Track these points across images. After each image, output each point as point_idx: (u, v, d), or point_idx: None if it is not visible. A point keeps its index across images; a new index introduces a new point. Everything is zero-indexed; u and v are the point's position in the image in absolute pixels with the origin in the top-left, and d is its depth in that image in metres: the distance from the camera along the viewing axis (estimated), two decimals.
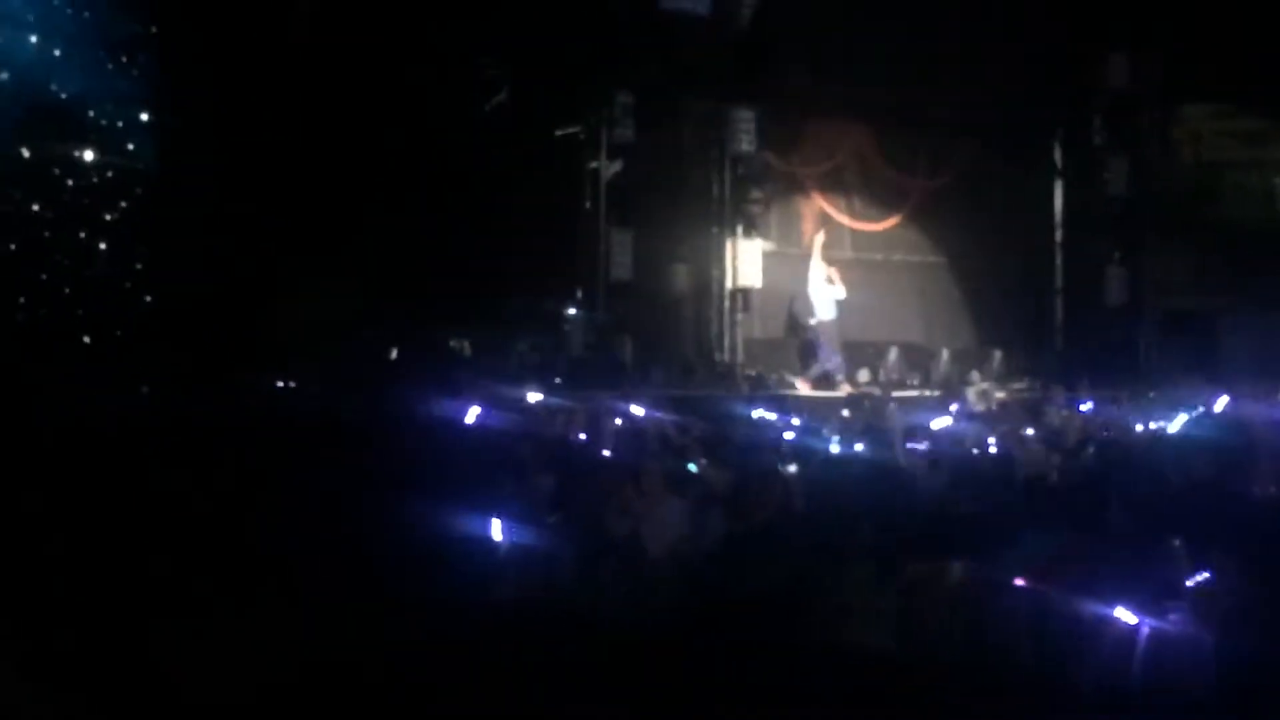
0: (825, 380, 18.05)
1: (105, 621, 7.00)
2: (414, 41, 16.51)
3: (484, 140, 17.10)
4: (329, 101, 16.21)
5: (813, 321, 18.84)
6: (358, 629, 7.29)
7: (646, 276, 18.51)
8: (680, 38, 18.59)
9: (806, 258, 19.28)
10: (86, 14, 15.96)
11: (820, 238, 19.37)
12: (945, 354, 19.60)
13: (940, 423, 12.04)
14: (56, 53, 15.89)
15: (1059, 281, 21.99)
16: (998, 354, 19.91)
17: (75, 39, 15.92)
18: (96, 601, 7.24)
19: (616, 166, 18.20)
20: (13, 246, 15.92)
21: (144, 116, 16.18)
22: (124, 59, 16.12)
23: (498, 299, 17.68)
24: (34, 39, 15.76)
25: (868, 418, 13.25)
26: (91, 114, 16.14)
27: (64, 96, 15.96)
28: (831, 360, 18.48)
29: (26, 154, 15.95)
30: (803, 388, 17.87)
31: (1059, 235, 22.01)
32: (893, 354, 19.50)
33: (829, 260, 19.21)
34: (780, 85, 19.52)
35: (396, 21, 16.37)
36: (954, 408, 14.44)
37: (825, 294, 18.76)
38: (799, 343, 19.26)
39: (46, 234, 16.25)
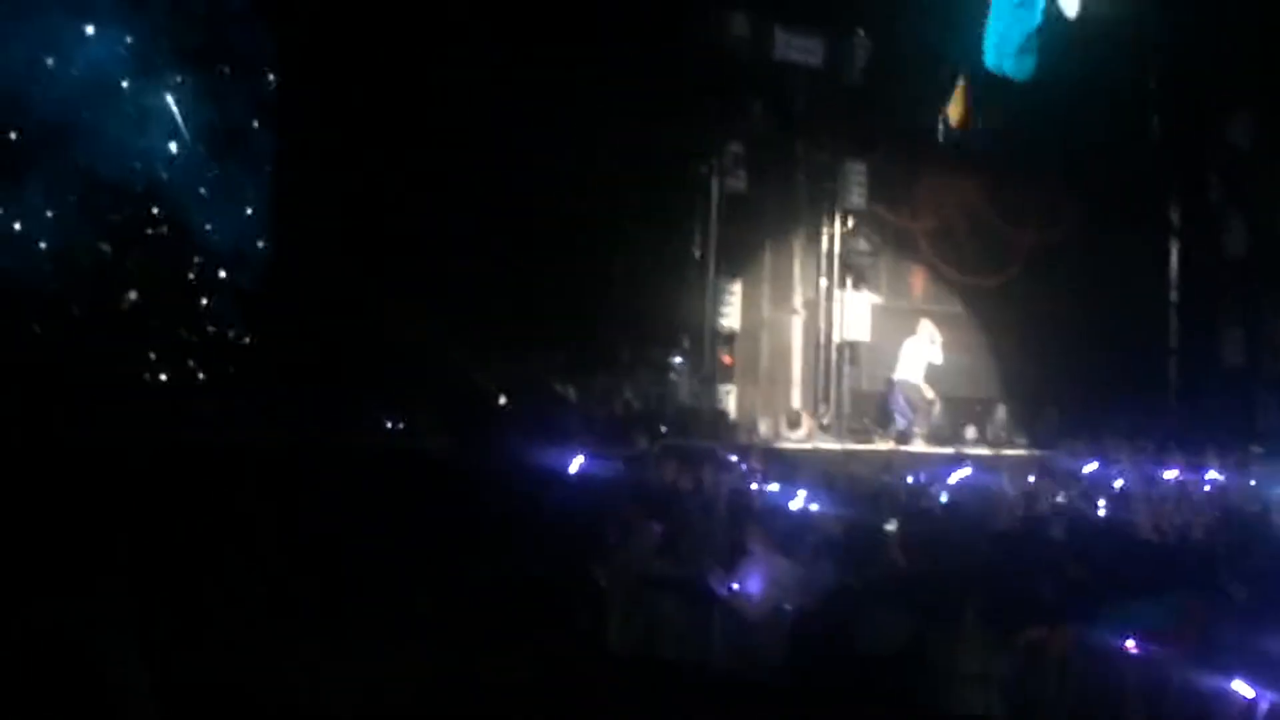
0: (904, 439, 17.80)
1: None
2: (531, 91, 16.69)
3: (596, 187, 17.19)
4: (445, 150, 16.44)
5: (896, 378, 18.46)
6: (469, 669, 7.35)
7: (754, 326, 18.50)
8: (794, 88, 18.65)
9: (915, 312, 19.11)
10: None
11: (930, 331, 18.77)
12: (1054, 413, 19.29)
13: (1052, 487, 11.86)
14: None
15: (1173, 341, 21.60)
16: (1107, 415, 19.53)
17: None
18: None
19: (728, 217, 18.22)
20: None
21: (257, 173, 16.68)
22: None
23: (605, 346, 17.73)
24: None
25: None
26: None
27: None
28: (905, 419, 18.15)
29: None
30: (886, 444, 17.63)
31: (1174, 295, 21.63)
32: (1000, 412, 19.27)
33: (936, 317, 19.00)
34: (892, 138, 19.50)
35: (513, 70, 16.56)
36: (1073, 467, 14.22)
37: (919, 353, 18.44)
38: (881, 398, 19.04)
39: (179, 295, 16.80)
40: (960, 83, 18.58)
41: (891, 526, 8.73)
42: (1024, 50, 18.13)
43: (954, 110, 18.70)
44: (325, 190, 16.56)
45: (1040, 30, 18.02)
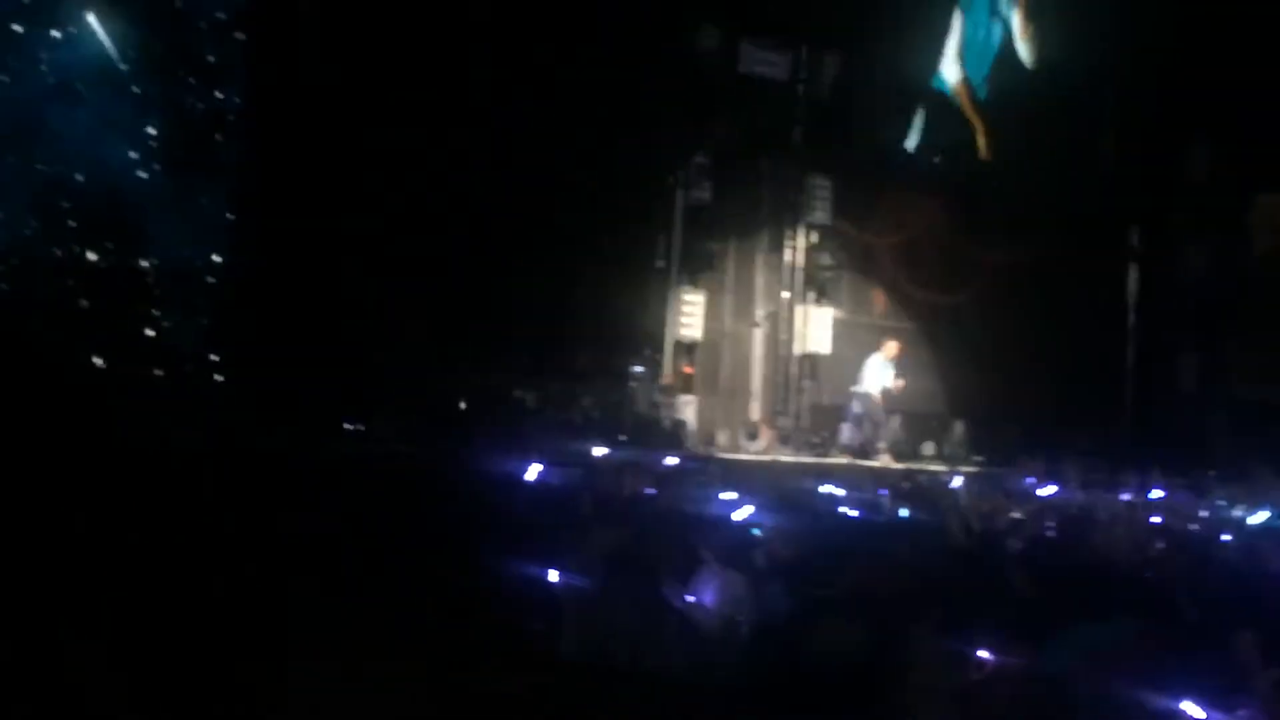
0: (860, 452, 17.81)
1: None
2: (494, 95, 16.68)
3: (559, 194, 17.20)
4: (410, 158, 16.40)
5: (859, 390, 18.37)
6: (421, 679, 7.29)
7: (715, 337, 18.54)
8: (760, 101, 18.72)
9: (877, 327, 19.15)
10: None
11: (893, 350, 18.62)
12: (1011, 432, 19.37)
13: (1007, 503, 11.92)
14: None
15: (1130, 364, 21.77)
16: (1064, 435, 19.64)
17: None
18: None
19: (691, 228, 18.27)
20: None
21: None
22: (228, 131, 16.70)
23: (566, 352, 17.73)
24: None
25: (926, 492, 13.14)
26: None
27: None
28: (860, 433, 18.13)
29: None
30: (842, 458, 17.62)
31: (1131, 319, 21.82)
32: (958, 428, 19.36)
33: (897, 333, 19.03)
34: (857, 154, 19.60)
35: (478, 79, 16.57)
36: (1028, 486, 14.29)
37: (881, 371, 18.42)
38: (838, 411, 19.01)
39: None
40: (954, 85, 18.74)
41: (852, 544, 8.75)
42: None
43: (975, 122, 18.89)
44: (288, 196, 16.51)
45: (996, 59, 18.32)
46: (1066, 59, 18.96)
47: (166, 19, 17.11)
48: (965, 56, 19.25)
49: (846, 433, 18.15)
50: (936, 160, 19.99)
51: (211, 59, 17.39)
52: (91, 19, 16.44)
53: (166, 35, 17.04)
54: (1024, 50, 19.23)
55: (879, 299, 20.04)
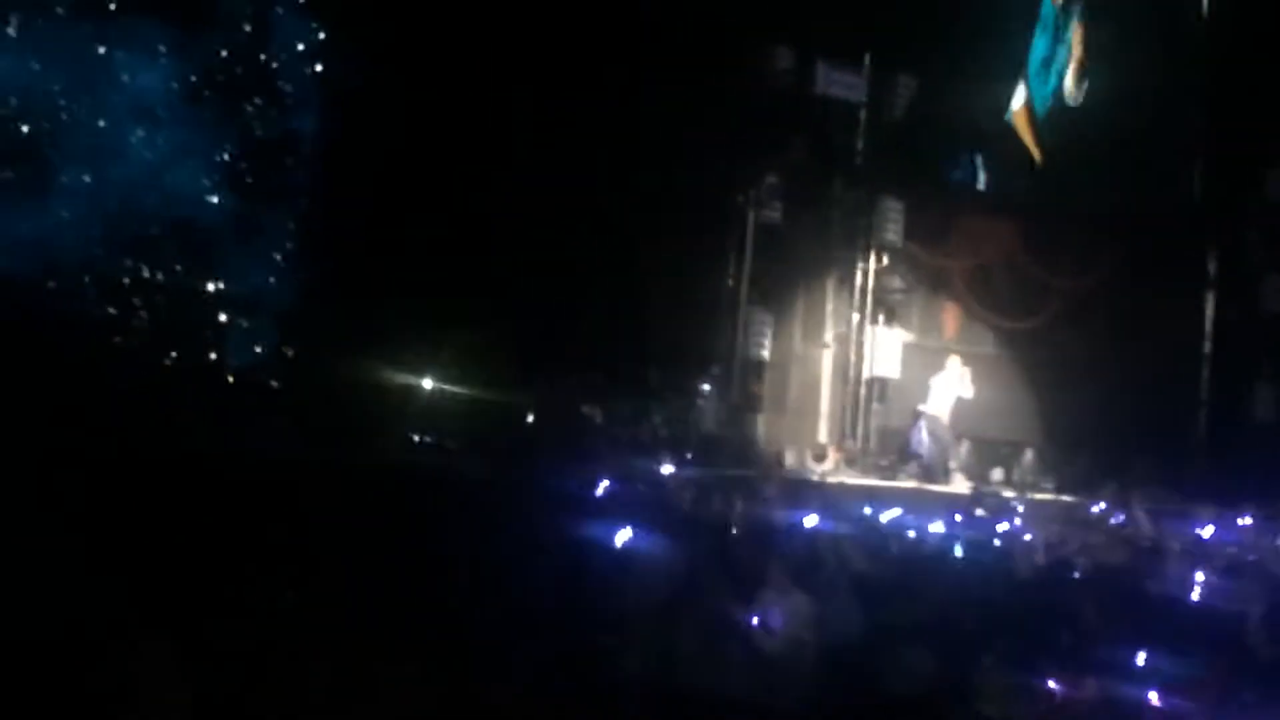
0: (926, 475, 17.69)
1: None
2: (570, 114, 16.78)
3: (631, 213, 17.24)
4: (485, 176, 16.53)
5: (926, 410, 18.28)
6: (486, 697, 7.32)
7: (784, 358, 18.49)
8: (834, 123, 18.68)
9: (946, 351, 19.00)
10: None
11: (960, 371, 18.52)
12: (1082, 460, 19.14)
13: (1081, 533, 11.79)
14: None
15: (1204, 394, 21.45)
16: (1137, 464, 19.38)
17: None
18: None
19: (763, 249, 18.26)
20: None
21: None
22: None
23: (636, 371, 17.75)
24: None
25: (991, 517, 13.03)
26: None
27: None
28: (929, 453, 18.01)
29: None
30: (913, 480, 17.50)
31: (1208, 346, 21.51)
32: (1028, 455, 19.17)
33: (968, 358, 18.90)
34: (929, 177, 19.52)
35: (554, 100, 16.67)
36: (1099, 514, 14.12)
37: (948, 389, 18.30)
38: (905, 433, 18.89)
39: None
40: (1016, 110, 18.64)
41: (921, 569, 8.69)
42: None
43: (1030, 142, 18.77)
44: (364, 215, 16.71)
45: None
46: (1145, 83, 18.74)
47: (238, 47, 17.38)
48: (1031, 77, 19.11)
49: (917, 450, 18.00)
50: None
51: (283, 85, 17.65)
52: (164, 47, 16.72)
53: (237, 62, 17.30)
54: (1070, 86, 19.06)
55: (949, 323, 19.87)
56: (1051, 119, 18.94)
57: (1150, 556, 11.32)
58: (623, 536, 10.07)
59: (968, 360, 18.69)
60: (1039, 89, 19.04)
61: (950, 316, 20.05)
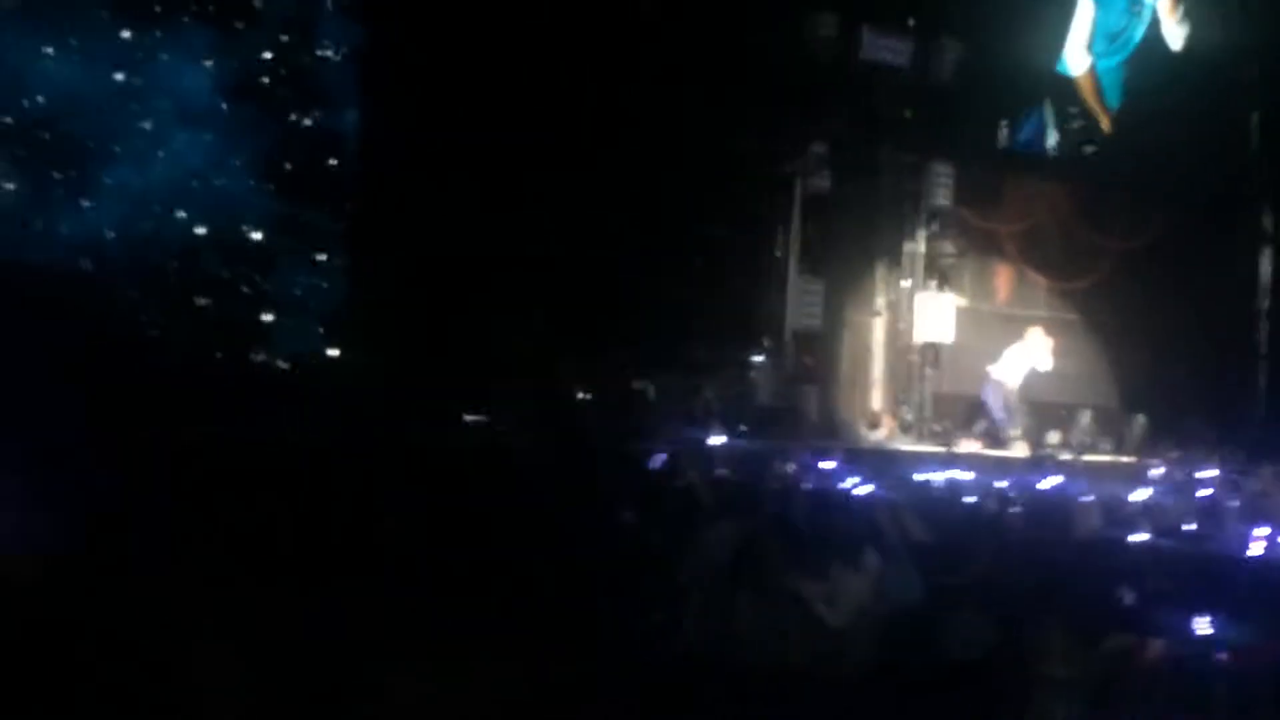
0: (992, 438, 17.58)
1: None
2: (615, 87, 16.74)
3: (677, 183, 17.20)
4: (531, 144, 16.53)
5: (994, 375, 18.16)
6: (544, 668, 7.36)
7: (835, 327, 18.42)
8: (880, 89, 18.54)
9: (999, 316, 18.82)
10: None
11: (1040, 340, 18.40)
12: (1140, 420, 18.97)
13: (1139, 495, 11.67)
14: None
15: (1263, 349, 21.19)
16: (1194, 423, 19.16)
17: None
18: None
19: (811, 218, 18.18)
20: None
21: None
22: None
23: (685, 343, 17.74)
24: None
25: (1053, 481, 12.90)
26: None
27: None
28: (1001, 418, 17.89)
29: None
30: (970, 445, 17.38)
31: (1265, 303, 21.24)
32: (1085, 417, 19.01)
33: (1022, 320, 18.75)
34: (979, 140, 19.35)
35: (597, 69, 16.63)
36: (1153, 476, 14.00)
37: (1023, 359, 18.13)
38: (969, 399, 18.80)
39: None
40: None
41: (980, 532, 8.63)
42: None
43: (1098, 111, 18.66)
44: (411, 190, 16.75)
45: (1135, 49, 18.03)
46: (1204, 40, 18.52)
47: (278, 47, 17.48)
48: (1095, 46, 18.93)
49: (995, 416, 17.86)
50: (1089, 150, 19.68)
51: (324, 83, 17.76)
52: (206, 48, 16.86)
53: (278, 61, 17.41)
54: (1172, 34, 18.83)
55: (1002, 286, 19.71)
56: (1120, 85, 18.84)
57: (1210, 516, 11.20)
58: (683, 508, 10.09)
59: (1022, 323, 18.53)
60: (1105, 61, 18.92)
61: (1003, 280, 19.89)
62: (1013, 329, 18.59)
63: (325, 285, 17.70)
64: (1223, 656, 6.45)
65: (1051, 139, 19.93)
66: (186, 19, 16.95)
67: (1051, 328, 19.10)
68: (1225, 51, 19.18)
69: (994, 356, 18.22)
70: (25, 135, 16.66)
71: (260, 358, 17.18)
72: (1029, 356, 17.99)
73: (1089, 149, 19.82)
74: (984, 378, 18.08)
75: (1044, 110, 19.89)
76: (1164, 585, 7.81)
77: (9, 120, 16.46)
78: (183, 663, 6.94)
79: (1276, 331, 21.15)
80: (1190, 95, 19.00)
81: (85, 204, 16.57)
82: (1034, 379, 18.24)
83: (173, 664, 6.84)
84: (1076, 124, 19.79)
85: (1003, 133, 19.68)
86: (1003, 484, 12.53)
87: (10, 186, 16.53)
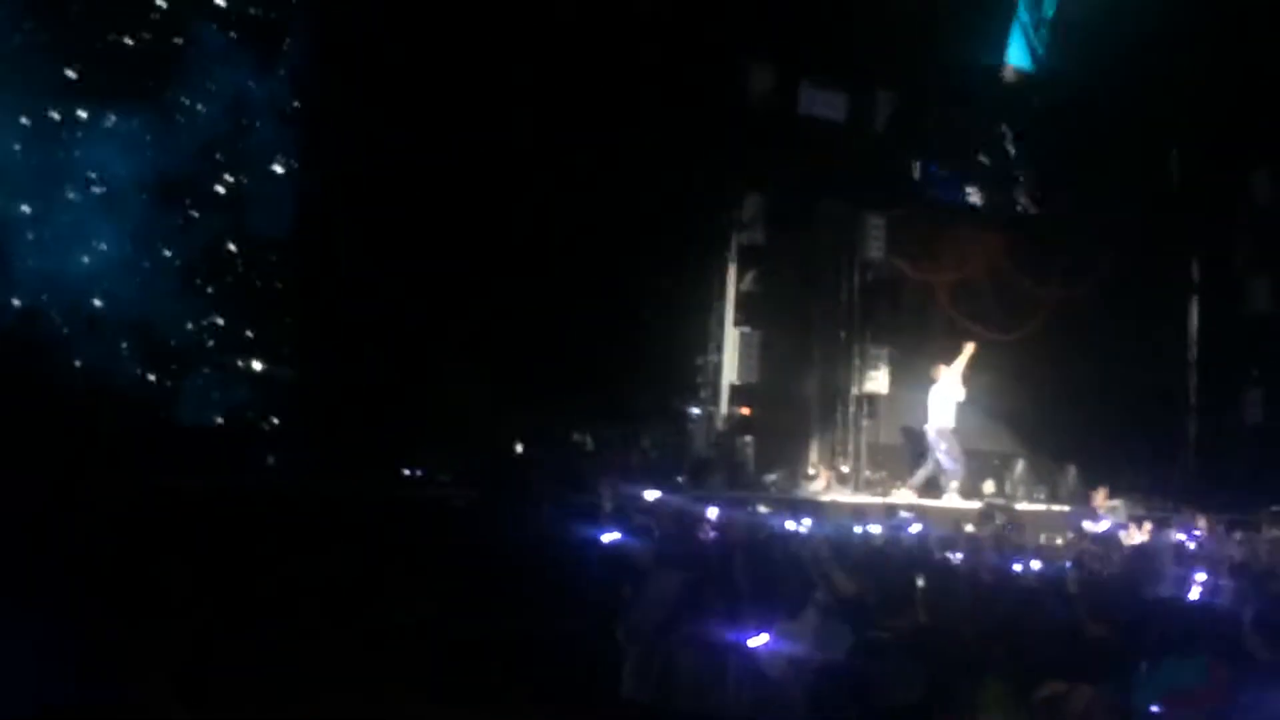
0: (931, 488, 17.66)
1: None
2: (550, 135, 16.79)
3: (614, 234, 17.24)
4: (467, 201, 16.53)
5: (931, 427, 18.16)
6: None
7: (772, 379, 18.48)
8: (815, 142, 18.71)
9: (933, 365, 18.93)
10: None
11: (969, 349, 18.53)
12: (1073, 469, 19.15)
13: (1068, 541, 11.80)
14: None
15: (1193, 398, 21.50)
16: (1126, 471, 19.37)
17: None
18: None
19: (746, 269, 18.30)
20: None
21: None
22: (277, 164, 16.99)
23: (623, 394, 17.73)
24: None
25: (998, 531, 13.01)
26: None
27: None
28: (951, 469, 17.96)
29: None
30: (909, 495, 17.45)
31: (1194, 352, 21.57)
32: (1019, 466, 19.18)
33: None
34: (912, 192, 19.56)
35: (537, 119, 16.67)
36: (1085, 525, 14.14)
37: (952, 398, 18.21)
38: (910, 448, 18.88)
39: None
40: None
41: (920, 582, 8.65)
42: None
43: None
44: (345, 248, 16.70)
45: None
46: (1130, 82, 18.85)
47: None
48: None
49: (949, 468, 17.90)
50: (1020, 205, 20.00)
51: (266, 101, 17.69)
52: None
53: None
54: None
55: (935, 337, 19.85)
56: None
57: (1143, 561, 11.32)
58: (621, 560, 10.07)
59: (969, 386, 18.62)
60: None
61: (936, 330, 20.04)
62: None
63: (263, 336, 17.53)
64: (1156, 705, 6.49)
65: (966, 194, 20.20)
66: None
67: (985, 377, 19.25)
68: (1149, 95, 19.45)
69: (924, 407, 18.31)
70: None
71: (199, 410, 16.97)
72: (946, 393, 18.03)
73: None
74: (925, 433, 18.13)
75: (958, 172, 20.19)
76: (1096, 633, 7.88)
77: None
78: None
79: (1206, 381, 21.48)
80: (1120, 144, 19.31)
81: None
82: (968, 427, 18.37)
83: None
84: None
85: (935, 183, 19.87)
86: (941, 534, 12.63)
87: None
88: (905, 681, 6.56)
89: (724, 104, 17.98)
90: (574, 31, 16.78)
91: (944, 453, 17.88)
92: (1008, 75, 19.48)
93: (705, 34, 17.45)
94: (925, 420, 18.14)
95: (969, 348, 18.35)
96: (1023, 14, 19.48)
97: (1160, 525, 15.65)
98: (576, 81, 16.83)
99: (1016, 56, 19.62)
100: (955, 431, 17.99)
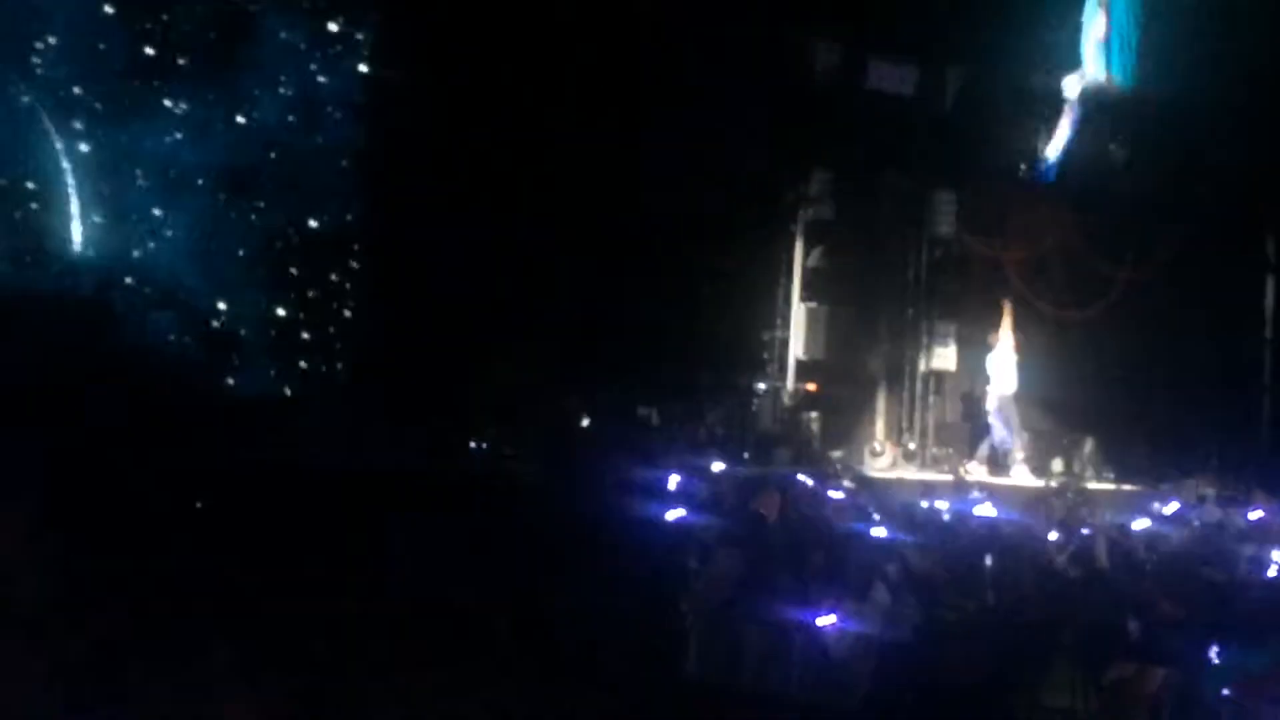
0: (995, 464, 17.51)
1: None
2: (620, 115, 16.77)
3: (682, 211, 17.22)
4: (535, 174, 16.56)
5: (992, 395, 18.03)
6: (549, 699, 7.33)
7: (838, 355, 18.39)
8: (884, 117, 18.56)
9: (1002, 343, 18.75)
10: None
11: (1008, 311, 18.38)
12: (1090, 441, 18.84)
13: (1143, 523, 11.65)
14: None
15: (1267, 379, 21.16)
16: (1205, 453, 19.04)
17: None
18: None
19: (814, 245, 18.22)
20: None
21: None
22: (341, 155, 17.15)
23: (689, 371, 17.73)
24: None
25: (1068, 510, 12.87)
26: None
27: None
28: (1004, 439, 17.84)
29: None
30: (975, 469, 17.30)
31: (1269, 330, 21.22)
32: (1088, 445, 18.96)
33: (1024, 349, 18.71)
34: (984, 167, 19.36)
35: (605, 102, 16.67)
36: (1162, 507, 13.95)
37: (1009, 364, 18.01)
38: (972, 420, 18.71)
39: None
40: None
41: (988, 561, 8.60)
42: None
43: None
44: (419, 211, 16.79)
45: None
46: (1201, 61, 18.52)
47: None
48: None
49: (1003, 439, 17.79)
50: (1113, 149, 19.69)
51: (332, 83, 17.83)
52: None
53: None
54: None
55: (1005, 314, 19.65)
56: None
57: (1216, 541, 11.19)
58: (688, 537, 10.08)
59: (1024, 350, 18.49)
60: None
61: (1006, 308, 19.82)
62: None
63: (333, 317, 17.70)
64: (1227, 690, 6.43)
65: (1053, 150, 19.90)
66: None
67: (1055, 355, 19.05)
68: (1223, 73, 19.10)
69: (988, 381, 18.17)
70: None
71: (268, 387, 17.16)
72: (1006, 367, 17.89)
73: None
74: (987, 402, 18.00)
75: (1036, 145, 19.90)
76: (1169, 613, 7.79)
77: None
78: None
79: (1278, 358, 21.14)
80: (1192, 117, 19.00)
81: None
82: (1036, 406, 18.22)
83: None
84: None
85: (1006, 158, 19.63)
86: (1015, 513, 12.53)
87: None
88: (971, 662, 6.53)
89: (791, 80, 17.86)
90: (642, 10, 16.75)
91: (1002, 422, 17.78)
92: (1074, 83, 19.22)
93: (773, 10, 17.33)
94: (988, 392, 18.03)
95: (1007, 307, 18.16)
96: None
97: (1232, 505, 15.45)
98: (644, 60, 16.80)
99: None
100: (1017, 400, 17.83)
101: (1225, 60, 18.82)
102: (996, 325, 18.51)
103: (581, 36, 16.63)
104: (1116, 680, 6.95)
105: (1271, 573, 9.77)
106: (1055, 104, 19.28)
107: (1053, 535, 10.78)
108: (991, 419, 17.84)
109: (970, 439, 18.46)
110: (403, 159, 17.11)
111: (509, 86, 16.59)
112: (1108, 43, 19.07)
